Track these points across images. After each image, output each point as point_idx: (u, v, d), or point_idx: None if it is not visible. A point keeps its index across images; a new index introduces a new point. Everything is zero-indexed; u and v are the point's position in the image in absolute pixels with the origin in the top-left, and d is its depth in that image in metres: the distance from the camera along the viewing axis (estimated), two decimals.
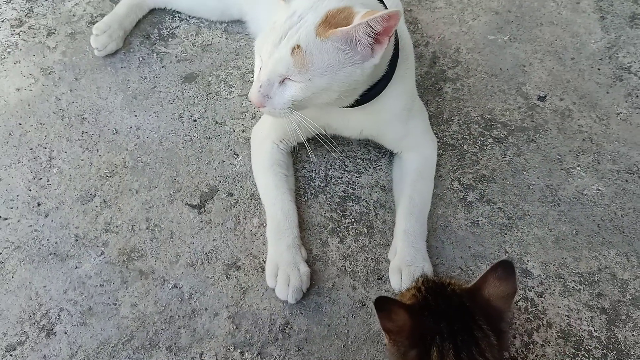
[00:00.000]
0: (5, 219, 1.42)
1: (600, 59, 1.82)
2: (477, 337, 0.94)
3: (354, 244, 1.41)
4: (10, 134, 1.57)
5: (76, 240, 1.40)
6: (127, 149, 1.56)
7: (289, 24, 1.13)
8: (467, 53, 1.82)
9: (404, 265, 1.31)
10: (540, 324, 1.29)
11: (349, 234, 1.42)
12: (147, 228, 1.42)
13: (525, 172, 1.55)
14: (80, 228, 1.42)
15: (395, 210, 1.43)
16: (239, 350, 1.25)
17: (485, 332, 0.95)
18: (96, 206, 1.45)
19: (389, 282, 1.34)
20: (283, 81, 1.16)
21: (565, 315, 1.31)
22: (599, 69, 1.79)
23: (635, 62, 1.80)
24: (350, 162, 1.54)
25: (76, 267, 1.36)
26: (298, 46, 1.11)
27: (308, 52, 1.11)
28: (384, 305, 0.93)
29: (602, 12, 1.96)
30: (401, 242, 1.35)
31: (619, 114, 1.68)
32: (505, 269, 0.98)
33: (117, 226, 1.42)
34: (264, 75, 1.15)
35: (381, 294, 1.13)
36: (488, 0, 1.98)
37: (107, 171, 1.52)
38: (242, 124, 1.61)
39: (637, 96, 1.72)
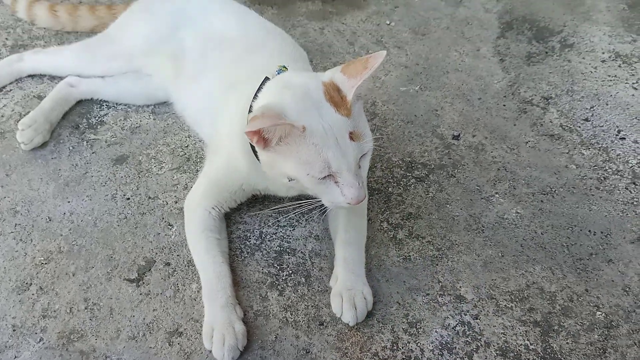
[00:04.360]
0: None
1: (504, 96, 1.97)
2: None
3: (293, 294, 1.44)
4: None
5: (14, 330, 1.38)
6: (61, 235, 1.57)
7: (326, 132, 1.20)
8: (383, 105, 1.94)
9: (345, 290, 1.37)
10: (479, 344, 1.33)
11: (288, 286, 1.45)
12: (85, 308, 1.41)
13: (448, 205, 1.63)
14: (17, 318, 1.40)
15: (334, 244, 1.49)
16: None
17: None
18: (32, 294, 1.44)
19: (330, 326, 1.37)
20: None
21: (502, 333, 1.35)
22: (504, 105, 1.94)
23: (535, 95, 1.97)
24: (282, 217, 1.59)
25: (15, 357, 1.33)
26: (350, 132, 1.22)
27: (356, 127, 1.24)
28: None
29: (500, 55, 2.14)
30: (341, 268, 1.42)
31: (527, 142, 1.81)
32: None
33: (54, 310, 1.41)
34: (351, 175, 1.22)
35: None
36: (397, 57, 2.14)
37: (42, 259, 1.52)
38: (175, 196, 1.66)
39: (542, 125, 1.87)
